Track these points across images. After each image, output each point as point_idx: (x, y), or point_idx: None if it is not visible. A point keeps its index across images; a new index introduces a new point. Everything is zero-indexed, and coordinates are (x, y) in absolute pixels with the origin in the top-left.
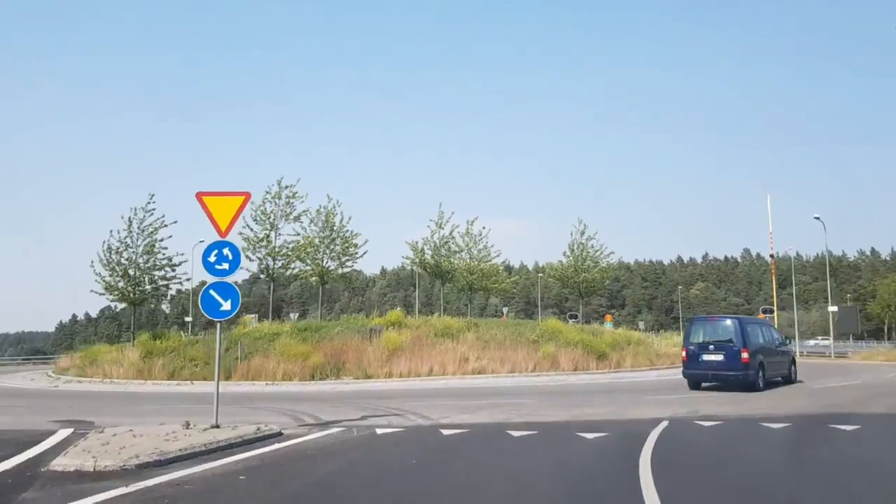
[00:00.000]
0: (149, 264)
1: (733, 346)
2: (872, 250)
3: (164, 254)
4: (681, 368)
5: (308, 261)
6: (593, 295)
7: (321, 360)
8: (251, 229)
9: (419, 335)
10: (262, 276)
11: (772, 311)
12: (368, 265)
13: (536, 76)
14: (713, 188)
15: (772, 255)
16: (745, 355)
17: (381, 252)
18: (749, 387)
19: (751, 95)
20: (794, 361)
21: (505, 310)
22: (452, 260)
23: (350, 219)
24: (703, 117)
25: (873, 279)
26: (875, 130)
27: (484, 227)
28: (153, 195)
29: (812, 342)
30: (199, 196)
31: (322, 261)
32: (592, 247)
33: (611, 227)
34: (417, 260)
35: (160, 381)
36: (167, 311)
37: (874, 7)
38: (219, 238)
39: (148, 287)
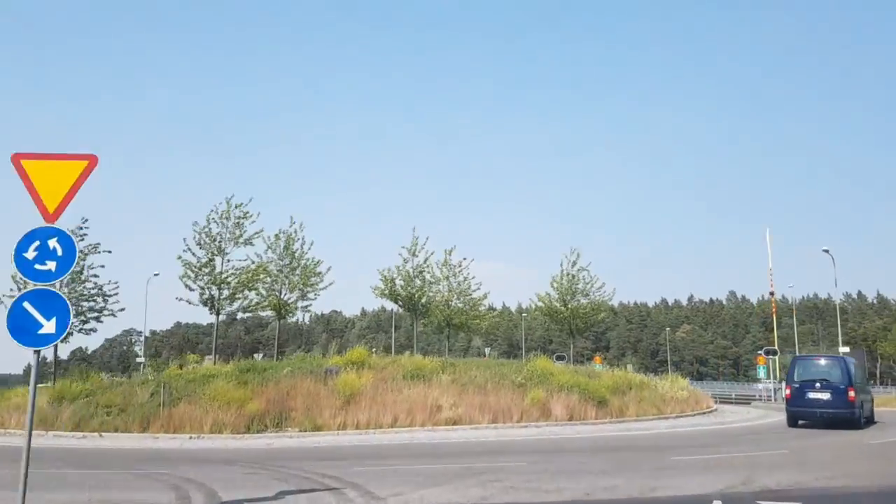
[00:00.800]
0: (75, 293)
1: (840, 385)
2: (859, 293)
3: (94, 282)
4: (693, 416)
5: (263, 291)
6: (582, 335)
7: (261, 407)
8: (193, 253)
9: (384, 377)
10: (197, 305)
11: (776, 353)
12: (349, 306)
13: (515, 112)
14: (698, 230)
15: (772, 293)
16: (851, 394)
17: (364, 293)
18: (854, 424)
19: (738, 135)
20: (872, 400)
21: (487, 350)
22: (427, 291)
23: (312, 244)
24: (690, 157)
25: (862, 322)
26: (864, 172)
27: (465, 259)
28: (86, 220)
29: None
30: (17, 159)
31: (280, 292)
32: (584, 279)
33: (594, 269)
34: (387, 291)
35: (64, 432)
36: (139, 352)
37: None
38: (43, 223)
39: (74, 320)
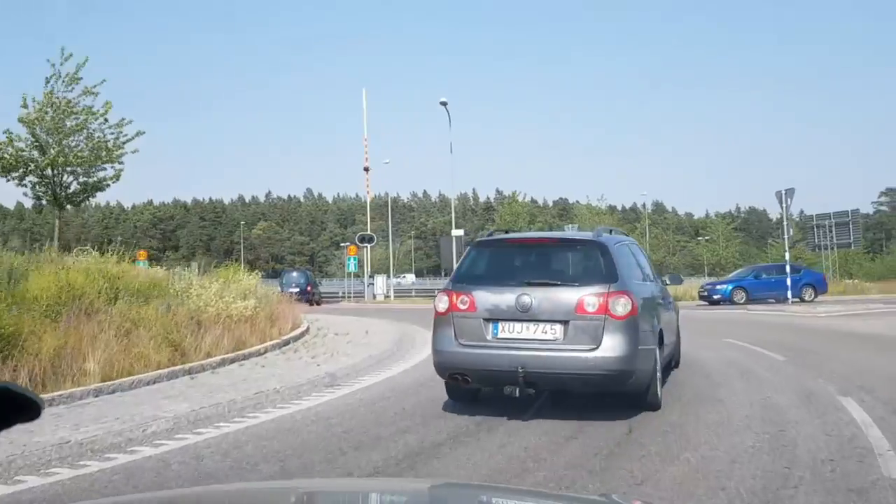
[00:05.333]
0: None
1: None
2: (424, 192)
3: None
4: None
5: None
6: (74, 206)
7: None
8: None
9: None
10: None
11: (371, 240)
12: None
13: None
14: (279, 123)
15: (366, 168)
16: None
17: None
18: None
19: None
20: None
21: None
22: None
23: None
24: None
25: (428, 220)
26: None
27: None
28: None
29: (396, 280)
30: None
31: None
32: (83, 108)
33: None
34: None
35: None
36: None
37: None
38: None
39: None
